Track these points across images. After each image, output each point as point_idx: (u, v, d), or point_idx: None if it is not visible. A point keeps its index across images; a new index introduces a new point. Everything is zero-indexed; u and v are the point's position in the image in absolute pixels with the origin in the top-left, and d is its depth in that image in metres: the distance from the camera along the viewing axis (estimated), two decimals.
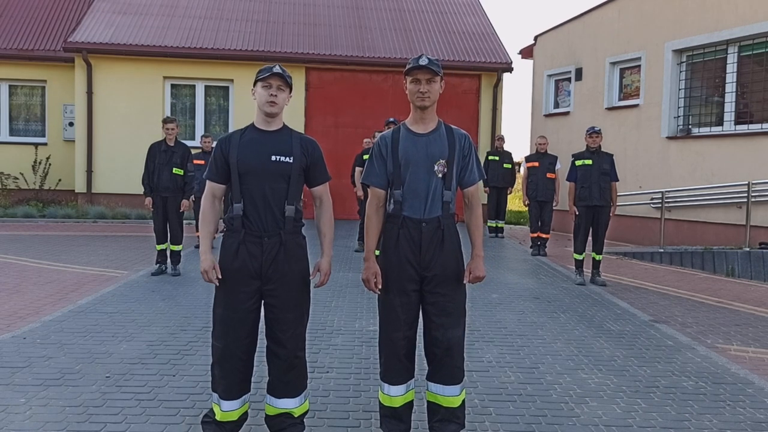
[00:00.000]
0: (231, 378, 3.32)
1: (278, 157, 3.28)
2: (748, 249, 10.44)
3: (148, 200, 8.11)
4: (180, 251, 8.28)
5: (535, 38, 15.76)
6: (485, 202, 12.67)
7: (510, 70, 15.18)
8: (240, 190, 3.28)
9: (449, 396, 3.34)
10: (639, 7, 12.90)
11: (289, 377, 3.35)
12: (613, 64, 13.52)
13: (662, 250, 11.10)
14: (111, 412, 3.78)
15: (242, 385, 3.36)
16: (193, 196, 8.43)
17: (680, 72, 12.22)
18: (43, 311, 6.20)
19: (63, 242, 10.67)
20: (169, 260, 8.22)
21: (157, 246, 8.17)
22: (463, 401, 3.42)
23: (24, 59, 15.52)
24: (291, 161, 3.29)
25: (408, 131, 3.35)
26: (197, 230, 10.11)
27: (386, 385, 3.38)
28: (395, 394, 3.36)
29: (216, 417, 3.35)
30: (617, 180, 8.36)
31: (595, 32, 13.97)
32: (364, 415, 3.85)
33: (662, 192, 11.78)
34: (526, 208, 11.70)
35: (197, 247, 10.07)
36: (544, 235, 10.66)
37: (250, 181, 3.26)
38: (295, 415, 3.39)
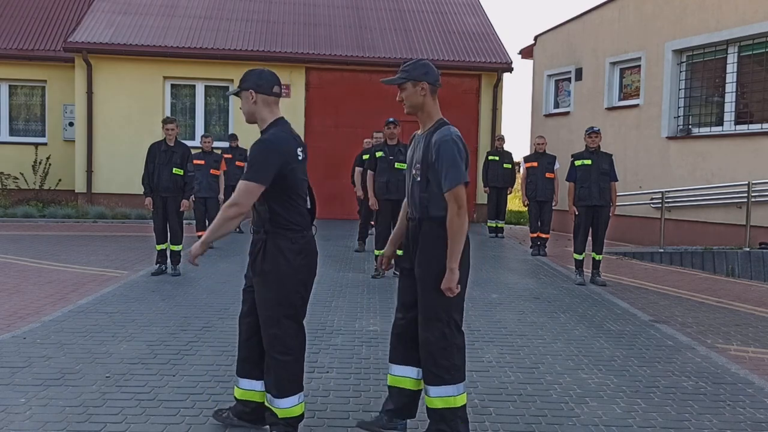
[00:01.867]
0: (238, 352, 3.54)
1: None
2: (748, 249, 10.44)
3: (148, 200, 8.11)
4: (180, 251, 8.27)
5: (535, 38, 15.76)
6: (485, 202, 12.66)
7: (510, 70, 15.19)
8: None
9: (428, 395, 3.35)
10: (639, 7, 12.90)
11: (268, 368, 3.38)
12: (613, 64, 13.52)
13: (662, 250, 11.10)
14: (111, 412, 3.78)
15: (243, 364, 3.50)
16: (192, 196, 8.42)
17: (680, 72, 12.22)
18: (43, 311, 6.20)
19: (63, 242, 10.67)
20: (169, 260, 8.22)
21: (157, 246, 8.17)
22: (452, 408, 3.29)
23: (24, 59, 15.52)
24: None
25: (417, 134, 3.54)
26: (197, 230, 10.10)
27: (390, 365, 3.53)
28: (394, 374, 3.49)
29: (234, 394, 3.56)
30: (617, 180, 8.37)
31: (595, 32, 13.97)
32: (364, 415, 3.84)
33: (662, 192, 11.77)
34: (526, 208, 11.70)
35: None
36: (543, 235, 10.65)
37: None
38: (263, 402, 3.42)
